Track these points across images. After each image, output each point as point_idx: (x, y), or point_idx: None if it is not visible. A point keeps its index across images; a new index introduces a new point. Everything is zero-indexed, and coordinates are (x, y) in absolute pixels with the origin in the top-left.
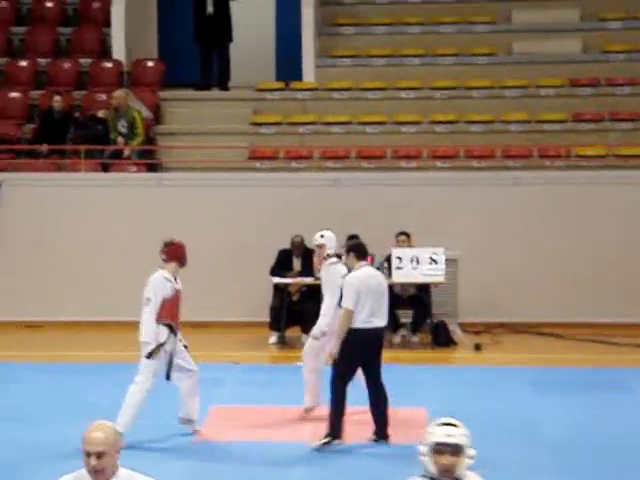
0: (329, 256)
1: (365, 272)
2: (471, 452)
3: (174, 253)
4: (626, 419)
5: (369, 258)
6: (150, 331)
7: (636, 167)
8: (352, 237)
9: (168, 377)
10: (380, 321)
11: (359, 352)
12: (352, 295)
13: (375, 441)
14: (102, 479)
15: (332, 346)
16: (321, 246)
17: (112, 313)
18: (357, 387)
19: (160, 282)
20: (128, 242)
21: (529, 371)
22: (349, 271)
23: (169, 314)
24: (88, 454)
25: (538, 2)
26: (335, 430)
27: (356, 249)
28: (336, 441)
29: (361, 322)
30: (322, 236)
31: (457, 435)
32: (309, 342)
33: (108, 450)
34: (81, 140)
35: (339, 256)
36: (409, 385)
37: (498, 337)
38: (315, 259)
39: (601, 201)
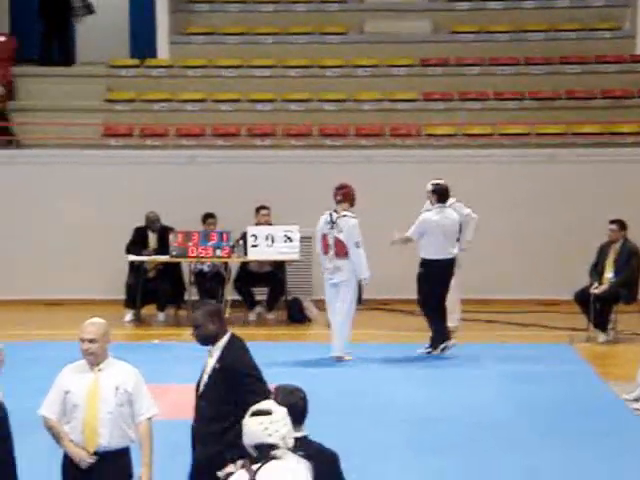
0: None
1: None
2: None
3: None
4: (475, 392)
5: (224, 235)
6: None
7: (483, 146)
8: (208, 215)
9: None
10: None
11: None
12: None
13: None
14: (94, 361)
15: None
16: None
17: None
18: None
19: None
20: None
21: (380, 347)
22: None
23: None
24: (82, 340)
25: None
26: None
27: None
28: None
29: None
30: None
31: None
32: None
33: (98, 338)
34: None
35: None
36: (264, 363)
37: None
38: None
39: (449, 179)
